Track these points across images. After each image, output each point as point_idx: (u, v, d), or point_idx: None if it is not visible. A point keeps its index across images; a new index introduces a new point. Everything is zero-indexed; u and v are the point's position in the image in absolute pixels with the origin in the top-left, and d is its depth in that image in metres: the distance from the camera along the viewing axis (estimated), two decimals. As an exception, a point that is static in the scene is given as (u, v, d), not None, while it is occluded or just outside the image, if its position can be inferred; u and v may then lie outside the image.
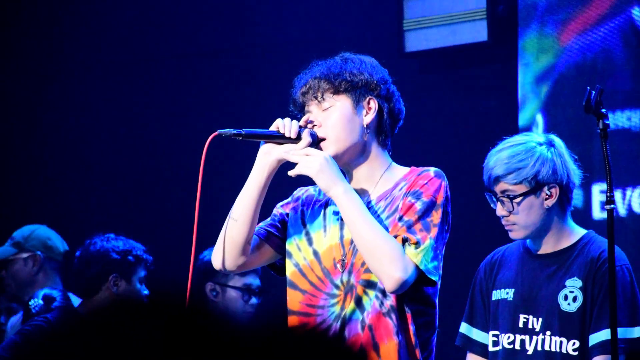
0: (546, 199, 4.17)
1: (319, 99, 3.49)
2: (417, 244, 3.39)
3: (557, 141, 4.22)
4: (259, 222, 3.58)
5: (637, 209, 5.66)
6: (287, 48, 6.74)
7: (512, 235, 4.23)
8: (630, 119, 5.66)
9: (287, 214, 3.65)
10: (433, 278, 3.43)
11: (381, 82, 3.53)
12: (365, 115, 3.52)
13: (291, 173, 3.48)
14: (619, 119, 5.67)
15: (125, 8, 7.07)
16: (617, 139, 5.63)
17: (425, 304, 3.50)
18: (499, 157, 4.18)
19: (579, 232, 4.24)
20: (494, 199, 4.19)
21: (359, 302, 3.48)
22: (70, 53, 7.02)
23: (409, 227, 3.42)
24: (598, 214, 5.63)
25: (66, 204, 6.85)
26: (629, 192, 5.64)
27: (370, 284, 3.47)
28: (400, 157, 3.63)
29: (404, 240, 3.40)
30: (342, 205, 3.43)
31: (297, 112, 3.57)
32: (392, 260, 3.36)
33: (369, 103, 3.52)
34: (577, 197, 5.53)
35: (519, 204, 4.15)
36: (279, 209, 3.67)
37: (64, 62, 6.99)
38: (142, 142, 7.05)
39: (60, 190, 6.93)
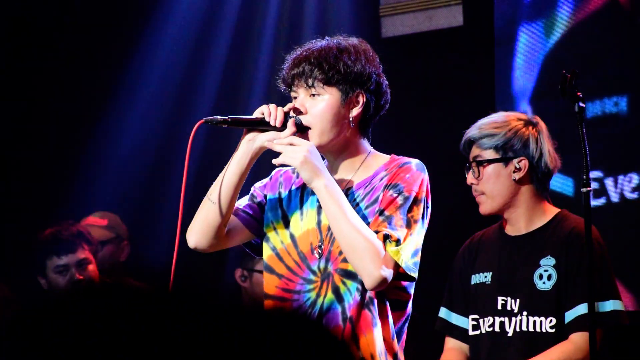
0: (514, 172, 4.20)
1: (309, 85, 3.47)
2: (397, 241, 3.38)
3: (540, 123, 4.26)
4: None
5: (629, 194, 5.66)
6: (264, 33, 6.74)
7: (481, 209, 4.26)
8: (617, 105, 5.67)
9: (265, 196, 3.64)
10: (413, 274, 3.42)
11: (372, 76, 3.50)
12: (352, 109, 3.50)
13: (275, 161, 3.47)
14: (607, 105, 5.68)
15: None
16: (606, 125, 5.64)
17: (402, 294, 3.51)
18: (477, 123, 4.25)
19: (551, 211, 4.26)
20: (466, 169, 4.25)
21: (336, 292, 3.47)
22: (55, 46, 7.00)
23: (390, 223, 3.41)
24: (591, 201, 5.63)
25: (53, 192, 6.83)
26: (620, 178, 5.64)
27: (348, 274, 3.46)
28: (378, 143, 3.63)
29: (385, 237, 3.39)
30: (323, 198, 3.41)
31: (283, 88, 3.55)
32: (372, 258, 3.35)
33: (357, 97, 3.50)
34: (568, 185, 5.55)
35: (487, 170, 4.19)
36: (257, 190, 3.66)
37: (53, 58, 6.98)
38: (129, 130, 7.03)
39: (47, 178, 6.92)
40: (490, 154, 4.21)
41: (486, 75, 6.12)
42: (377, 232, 3.40)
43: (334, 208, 3.40)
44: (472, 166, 4.24)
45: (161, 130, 6.94)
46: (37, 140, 6.97)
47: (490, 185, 4.21)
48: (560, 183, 5.59)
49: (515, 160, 4.20)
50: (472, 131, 4.24)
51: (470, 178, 4.25)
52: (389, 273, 3.37)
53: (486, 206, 4.24)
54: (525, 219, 4.24)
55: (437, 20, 6.49)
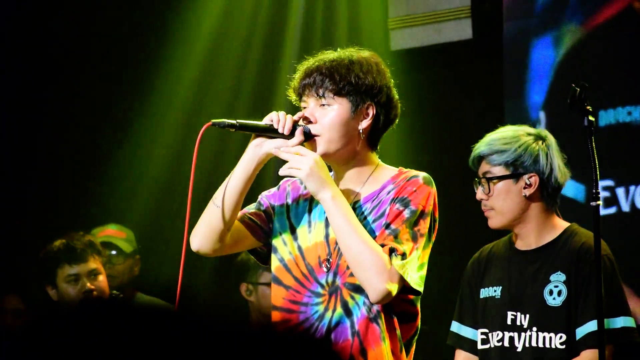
0: (525, 188, 4.19)
1: (319, 95, 3.46)
2: (403, 255, 3.38)
3: (549, 137, 4.25)
4: (243, 207, 3.57)
5: (640, 204, 5.65)
6: (276, 46, 6.76)
7: (490, 223, 4.25)
8: (630, 114, 5.66)
9: (272, 205, 3.63)
10: (418, 289, 3.42)
11: (383, 89, 3.50)
12: (362, 121, 3.49)
13: (281, 172, 3.47)
14: (620, 114, 5.67)
15: None
16: (619, 134, 5.63)
17: (409, 307, 3.50)
18: (486, 139, 4.23)
19: (561, 225, 4.25)
20: (475, 184, 4.24)
21: (345, 307, 3.46)
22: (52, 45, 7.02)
23: (396, 237, 3.41)
24: (601, 210, 5.61)
25: (60, 195, 6.85)
26: (632, 188, 5.62)
27: (356, 289, 3.45)
28: (386, 156, 3.63)
29: (391, 251, 3.38)
30: (329, 210, 3.41)
31: (294, 98, 3.54)
32: (377, 272, 3.34)
33: (367, 108, 3.49)
34: (580, 192, 5.53)
35: (497, 187, 4.19)
36: (264, 198, 3.65)
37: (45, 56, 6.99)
38: (134, 132, 7.05)
39: (54, 182, 6.94)
40: (500, 171, 4.20)
41: (495, 88, 6.12)
42: (383, 245, 3.40)
43: (340, 221, 3.40)
44: (481, 182, 4.23)
45: (167, 132, 6.96)
46: (50, 150, 6.99)
47: (500, 201, 4.20)
48: (573, 190, 5.58)
49: (525, 177, 4.19)
50: (482, 147, 4.22)
51: (479, 194, 4.24)
52: (393, 287, 3.36)
53: (495, 221, 4.24)
54: (535, 234, 4.22)
55: (446, 34, 6.49)
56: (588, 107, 3.81)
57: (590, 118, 3.82)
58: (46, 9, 6.96)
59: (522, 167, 4.18)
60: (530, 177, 4.18)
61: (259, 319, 5.60)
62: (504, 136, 4.21)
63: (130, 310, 1.51)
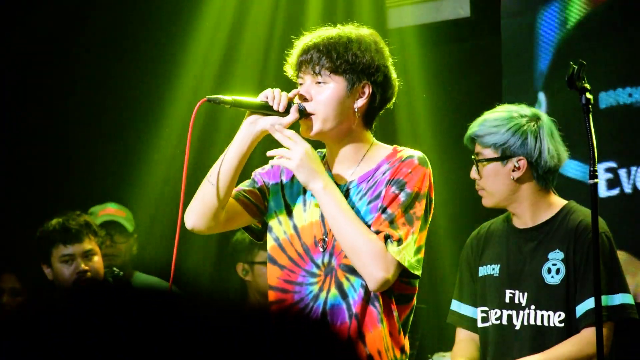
0: (513, 171, 4.19)
1: (315, 72, 3.44)
2: (399, 240, 3.37)
3: (543, 118, 4.23)
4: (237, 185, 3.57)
5: (643, 186, 5.63)
6: (270, 24, 6.73)
7: (483, 202, 4.27)
8: (631, 96, 5.64)
9: (267, 183, 3.62)
10: (416, 272, 3.42)
11: (380, 68, 3.48)
12: (358, 99, 3.47)
13: (271, 162, 3.47)
14: (620, 96, 5.65)
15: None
16: (620, 116, 5.61)
17: (407, 288, 3.50)
18: (480, 119, 4.24)
19: (558, 203, 4.25)
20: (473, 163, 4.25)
21: (340, 288, 3.46)
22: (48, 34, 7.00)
23: (392, 222, 3.40)
24: (604, 192, 5.59)
25: (54, 187, 6.84)
26: (633, 170, 5.61)
27: (351, 270, 3.44)
28: (384, 135, 3.62)
29: (386, 238, 3.38)
30: (321, 200, 3.41)
31: (290, 74, 3.52)
32: (374, 260, 3.35)
33: (363, 87, 3.47)
34: (582, 175, 5.51)
35: (485, 168, 4.19)
36: (258, 175, 3.63)
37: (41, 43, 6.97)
38: (130, 109, 7.04)
39: (54, 160, 6.94)
40: (489, 153, 4.20)
41: (493, 66, 6.10)
42: (378, 232, 3.39)
43: (334, 210, 3.39)
44: (475, 163, 4.23)
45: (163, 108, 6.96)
46: (48, 131, 6.98)
47: (490, 183, 4.20)
48: (579, 170, 5.56)
49: (514, 159, 4.18)
50: (475, 128, 4.23)
51: (473, 173, 4.25)
52: (391, 274, 3.36)
53: (487, 201, 4.26)
54: (530, 213, 4.22)
55: (444, 12, 6.47)
56: (586, 85, 3.80)
57: (588, 96, 3.80)
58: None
59: (510, 150, 4.17)
60: (519, 160, 4.18)
61: (257, 299, 5.60)
62: (497, 117, 4.20)
63: (126, 295, 1.50)
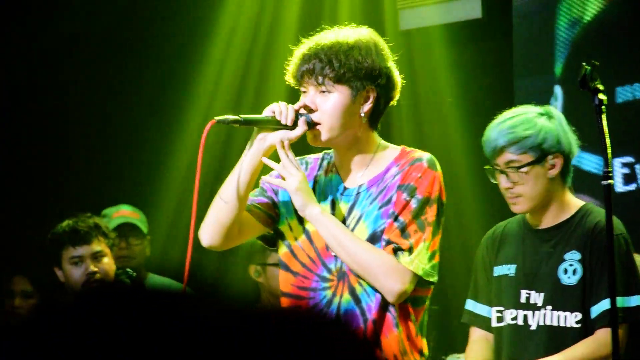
0: (550, 169, 4.16)
1: (319, 82, 3.41)
2: (410, 249, 3.37)
3: (555, 112, 4.22)
4: None
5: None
6: (283, 24, 6.73)
7: (516, 208, 4.20)
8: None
9: (276, 191, 3.60)
10: (432, 279, 3.42)
11: (383, 71, 3.44)
12: (363, 105, 3.44)
13: (266, 179, 3.48)
14: (637, 91, 5.61)
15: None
16: (635, 110, 5.57)
17: (422, 291, 3.49)
18: (501, 129, 4.15)
19: (576, 204, 4.23)
20: (496, 172, 4.18)
21: (353, 293, 3.45)
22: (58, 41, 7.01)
23: (403, 230, 3.39)
24: (620, 187, 5.56)
25: (68, 189, 6.85)
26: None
27: None
28: (396, 137, 3.62)
29: (396, 250, 3.37)
30: (322, 223, 3.40)
31: (292, 83, 3.50)
32: (387, 274, 3.34)
33: (368, 92, 3.44)
34: (598, 169, 5.48)
35: (525, 174, 4.14)
36: (267, 183, 3.61)
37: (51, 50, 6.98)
38: (142, 131, 7.05)
39: (62, 177, 6.95)
40: (526, 158, 4.12)
41: (505, 68, 6.09)
42: (389, 241, 3.38)
43: (336, 232, 3.39)
44: (505, 171, 4.16)
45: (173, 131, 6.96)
46: (63, 134, 6.99)
47: (530, 187, 4.14)
48: (595, 164, 5.53)
49: (549, 158, 4.14)
50: (501, 139, 4.13)
51: (505, 183, 4.16)
52: (407, 285, 3.36)
53: (523, 207, 4.18)
54: (553, 213, 4.20)
55: (456, 13, 6.46)
56: (598, 86, 3.78)
57: (601, 97, 3.79)
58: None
59: (547, 149, 4.13)
60: (555, 157, 4.14)
61: (270, 301, 5.59)
62: (520, 122, 4.14)
63: (135, 296, 1.49)
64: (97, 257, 5.05)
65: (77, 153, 7.00)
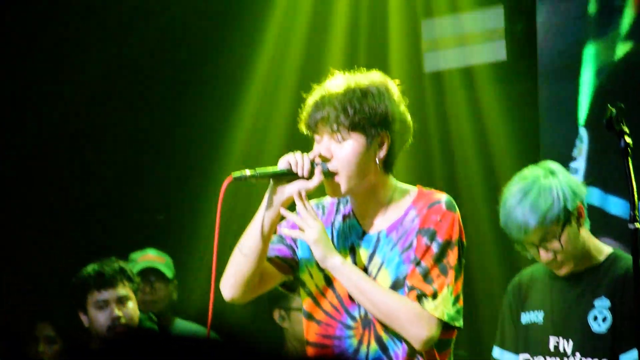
0: (578, 220, 4.14)
1: (333, 130, 3.39)
2: (434, 295, 3.35)
3: (554, 165, 4.21)
4: None
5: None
6: (308, 70, 6.76)
7: (561, 272, 4.18)
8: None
9: (295, 237, 3.57)
10: (458, 324, 3.40)
11: (396, 116, 3.43)
12: (378, 151, 3.43)
13: (284, 232, 3.46)
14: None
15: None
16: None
17: (446, 334, 3.45)
18: (524, 211, 4.11)
19: (604, 250, 4.21)
20: (530, 249, 4.15)
21: (380, 342, 3.43)
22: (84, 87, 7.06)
23: (426, 275, 3.37)
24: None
25: (93, 234, 6.87)
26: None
27: None
28: (420, 178, 3.59)
29: (420, 296, 3.35)
30: (344, 273, 3.38)
31: (306, 131, 3.48)
32: (412, 322, 3.33)
33: (382, 139, 3.42)
34: (623, 212, 5.43)
35: (564, 241, 4.11)
36: (284, 231, 3.58)
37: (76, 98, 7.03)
38: (174, 175, 7.08)
39: (91, 207, 6.98)
40: (557, 226, 4.10)
41: (530, 110, 6.08)
42: (412, 288, 3.36)
43: (360, 282, 3.38)
44: (544, 246, 4.13)
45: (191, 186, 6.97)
46: (81, 178, 7.02)
47: (570, 250, 4.13)
48: (621, 207, 5.49)
49: (576, 213, 4.13)
50: (529, 221, 4.08)
51: (545, 255, 4.14)
52: (433, 331, 3.34)
53: (569, 268, 4.17)
54: (579, 260, 4.18)
55: (480, 55, 6.45)
56: (624, 128, 3.76)
57: (627, 139, 3.77)
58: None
59: (570, 207, 4.11)
60: (578, 209, 4.13)
61: (295, 346, 5.56)
62: (536, 195, 4.10)
63: (158, 342, 1.48)
64: (122, 301, 5.05)
65: (104, 198, 7.02)
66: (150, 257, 5.94)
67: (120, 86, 7.07)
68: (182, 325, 5.81)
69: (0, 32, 6.87)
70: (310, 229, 3.38)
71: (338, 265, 3.38)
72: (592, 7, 5.90)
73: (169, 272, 5.90)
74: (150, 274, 5.86)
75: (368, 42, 6.76)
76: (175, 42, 7.11)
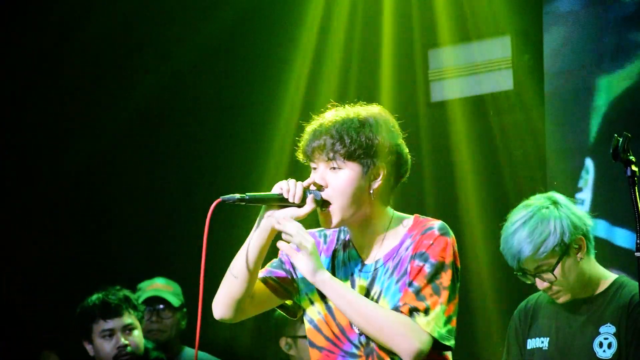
0: (577, 254, 4.16)
1: (329, 158, 3.40)
2: (426, 311, 3.34)
3: (559, 197, 4.24)
4: (264, 265, 3.54)
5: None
6: (311, 100, 6.77)
7: (560, 301, 4.21)
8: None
9: (293, 264, 3.55)
10: (448, 343, 3.37)
11: (393, 148, 3.44)
12: (373, 182, 3.43)
13: (281, 247, 3.45)
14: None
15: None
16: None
17: (440, 357, 3.42)
18: (519, 239, 4.16)
19: (609, 277, 4.22)
20: (528, 276, 4.18)
21: None
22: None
23: (418, 293, 3.36)
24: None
25: (100, 263, 6.88)
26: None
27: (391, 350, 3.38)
28: (426, 208, 3.59)
29: (412, 310, 3.34)
30: (333, 289, 3.37)
31: (302, 159, 3.48)
32: (403, 336, 3.31)
33: (378, 170, 3.42)
34: (630, 244, 5.42)
35: (560, 271, 4.14)
36: (285, 255, 3.59)
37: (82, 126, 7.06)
38: (183, 202, 7.08)
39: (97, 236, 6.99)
40: (554, 257, 4.15)
41: (537, 139, 6.08)
42: (405, 304, 3.35)
43: (349, 296, 3.37)
44: (540, 276, 4.17)
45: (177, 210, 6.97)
46: (94, 208, 7.04)
47: (567, 280, 4.17)
48: (627, 239, 5.48)
49: (574, 245, 4.16)
50: (524, 250, 4.14)
51: (541, 284, 4.19)
52: (424, 345, 3.31)
53: (566, 298, 4.21)
54: (582, 287, 4.20)
55: (487, 85, 6.46)
56: (631, 157, 3.76)
57: (633, 168, 3.77)
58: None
59: (569, 240, 4.14)
60: (578, 241, 4.17)
61: (302, 375, 5.55)
62: (534, 225, 4.15)
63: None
64: (127, 329, 5.05)
65: (113, 226, 7.03)
66: (157, 286, 5.94)
67: (140, 118, 7.10)
68: (191, 353, 5.80)
69: (2, 32, 6.91)
70: (306, 242, 3.37)
71: (327, 279, 3.37)
72: (600, 37, 5.91)
73: (176, 301, 5.89)
74: (157, 302, 5.86)
75: (359, 75, 6.76)
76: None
